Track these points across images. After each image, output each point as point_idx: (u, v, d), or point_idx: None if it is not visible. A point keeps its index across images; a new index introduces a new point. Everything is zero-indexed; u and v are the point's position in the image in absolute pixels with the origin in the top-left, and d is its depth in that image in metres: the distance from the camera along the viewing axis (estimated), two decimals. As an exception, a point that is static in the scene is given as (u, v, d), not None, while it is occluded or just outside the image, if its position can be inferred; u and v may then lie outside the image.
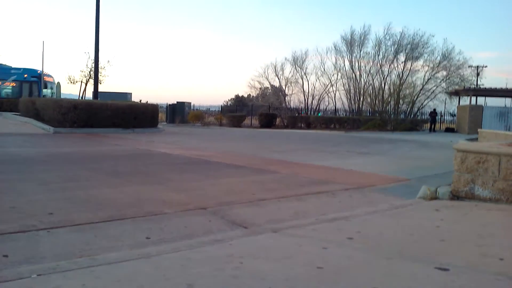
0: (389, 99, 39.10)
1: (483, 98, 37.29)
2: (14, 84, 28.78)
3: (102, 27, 20.04)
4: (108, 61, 28.89)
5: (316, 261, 2.88)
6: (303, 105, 41.54)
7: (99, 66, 21.65)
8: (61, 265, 2.69)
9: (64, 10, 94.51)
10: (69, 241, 3.34)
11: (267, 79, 43.86)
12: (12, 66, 29.69)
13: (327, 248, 3.22)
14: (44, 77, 28.83)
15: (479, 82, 43.38)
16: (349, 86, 40.88)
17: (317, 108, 41.49)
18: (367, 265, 2.89)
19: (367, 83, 40.29)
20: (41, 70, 28.92)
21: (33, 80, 28.39)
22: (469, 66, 40.83)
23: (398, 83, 38.99)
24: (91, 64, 26.34)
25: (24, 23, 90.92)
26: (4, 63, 30.45)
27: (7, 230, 3.50)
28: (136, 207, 4.52)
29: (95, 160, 8.59)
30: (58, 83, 30.21)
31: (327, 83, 41.78)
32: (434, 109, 36.94)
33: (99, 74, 22.67)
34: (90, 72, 26.14)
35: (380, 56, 39.43)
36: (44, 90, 28.59)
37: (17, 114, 21.66)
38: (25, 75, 28.57)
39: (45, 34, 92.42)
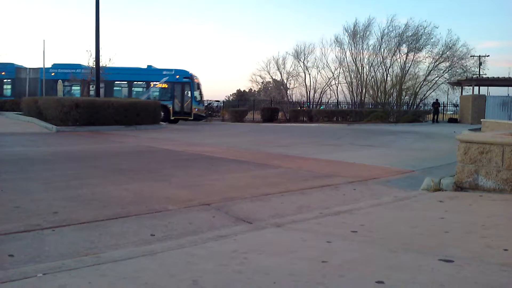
0: (392, 91, 38.98)
1: (485, 88, 37.22)
2: (166, 86, 27.99)
3: (103, 24, 20.05)
4: (110, 59, 28.68)
5: (321, 255, 2.88)
6: (305, 99, 41.52)
7: (101, 64, 21.62)
8: (67, 264, 2.70)
9: (66, 7, 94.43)
10: (74, 240, 3.36)
11: (269, 73, 43.92)
12: (163, 68, 28.78)
13: (331, 242, 3.22)
14: (195, 79, 28.09)
15: (481, 72, 43.19)
16: (351, 78, 40.84)
17: (319, 101, 41.44)
18: (372, 258, 2.89)
19: (369, 75, 40.21)
20: (191, 71, 28.24)
21: (185, 81, 27.59)
22: (471, 56, 40.66)
23: (400, 75, 38.84)
24: (92, 62, 26.25)
25: (24, 20, 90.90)
26: (152, 65, 29.45)
27: (12, 230, 3.51)
28: (140, 204, 4.54)
29: (98, 158, 8.61)
30: (60, 81, 30.07)
31: (329, 76, 41.77)
32: (437, 100, 36.88)
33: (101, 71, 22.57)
34: (91, 70, 26.03)
35: (383, 48, 39.32)
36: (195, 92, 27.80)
37: (19, 114, 21.72)
38: (177, 76, 27.71)
39: (46, 32, 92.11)
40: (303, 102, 40.89)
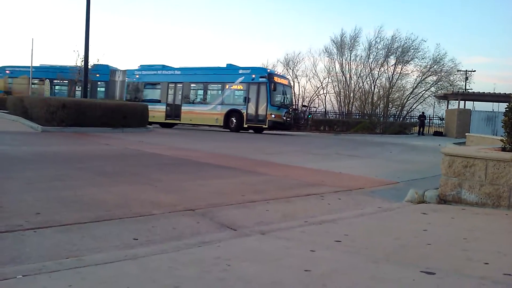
0: (379, 102, 39.40)
1: (471, 102, 37.79)
2: (241, 87, 24.10)
3: (91, 22, 19.54)
4: (98, 59, 28.50)
5: (304, 264, 2.89)
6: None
7: (89, 64, 21.42)
8: (47, 266, 2.67)
9: (53, 6, 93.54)
10: (55, 242, 3.31)
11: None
12: (240, 66, 25.14)
13: (314, 251, 3.23)
14: (275, 78, 24.08)
15: (467, 87, 43.88)
16: (339, 88, 41.24)
17: (307, 110, 41.65)
18: (354, 268, 2.91)
19: (357, 86, 40.62)
20: (271, 69, 24.82)
21: (261, 81, 23.33)
22: (458, 71, 41.36)
23: (388, 86, 39.30)
24: (80, 62, 26.01)
25: (11, 18, 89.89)
26: (232, 63, 25.87)
27: (-7, 230, 3.46)
28: (124, 207, 4.50)
29: (84, 160, 8.52)
30: (47, 80, 29.68)
31: (318, 86, 42.09)
32: (423, 113, 37.35)
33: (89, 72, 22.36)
34: (79, 71, 25.79)
35: (371, 59, 39.80)
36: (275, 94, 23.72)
37: (5, 112, 21.43)
38: (253, 76, 23.67)
39: (32, 31, 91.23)
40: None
